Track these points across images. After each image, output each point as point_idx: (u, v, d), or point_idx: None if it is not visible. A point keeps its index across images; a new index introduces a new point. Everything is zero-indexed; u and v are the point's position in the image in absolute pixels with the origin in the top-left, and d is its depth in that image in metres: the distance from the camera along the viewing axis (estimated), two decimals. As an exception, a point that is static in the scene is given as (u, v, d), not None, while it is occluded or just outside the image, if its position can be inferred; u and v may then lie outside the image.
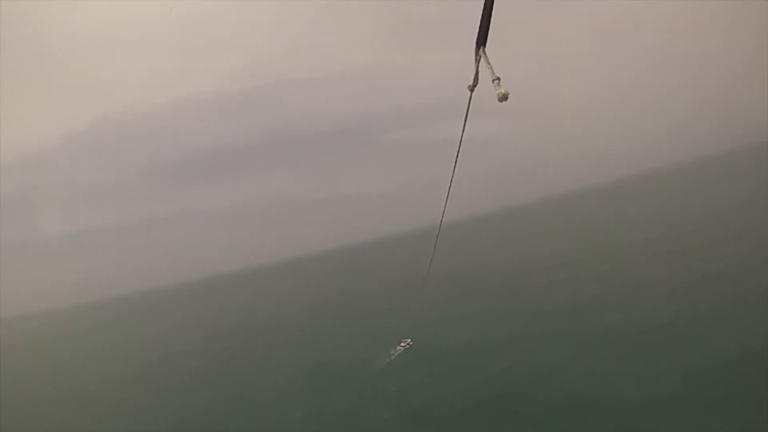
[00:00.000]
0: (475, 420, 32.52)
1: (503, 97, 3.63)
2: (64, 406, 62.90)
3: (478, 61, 4.10)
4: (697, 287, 49.65)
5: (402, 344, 52.88)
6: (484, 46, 4.01)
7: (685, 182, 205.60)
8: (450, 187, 11.50)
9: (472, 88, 4.74)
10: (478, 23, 4.08)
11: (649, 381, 31.03)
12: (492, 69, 3.78)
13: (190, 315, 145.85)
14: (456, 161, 8.79)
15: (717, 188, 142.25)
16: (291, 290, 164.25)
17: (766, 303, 39.08)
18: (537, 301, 60.41)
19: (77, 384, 74.68)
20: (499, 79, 3.66)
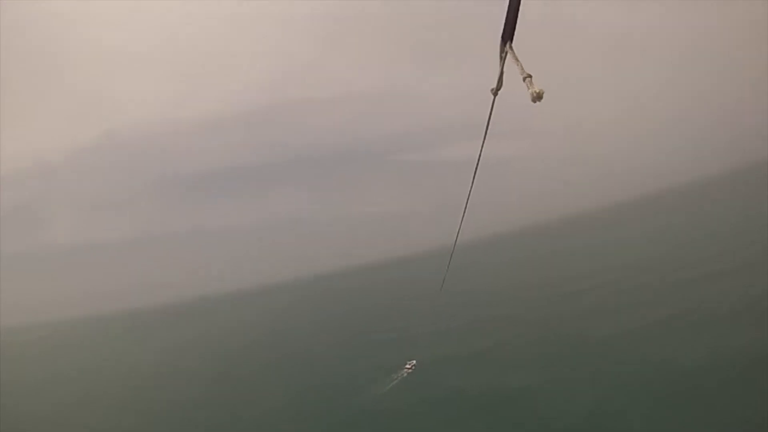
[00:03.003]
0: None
1: (538, 97, 3.11)
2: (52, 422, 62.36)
3: (503, 60, 3.62)
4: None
5: (407, 366, 53.27)
6: (511, 41, 3.53)
7: (714, 197, 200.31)
8: (466, 205, 11.15)
9: (495, 92, 4.23)
10: (504, 16, 3.66)
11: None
12: (521, 66, 3.34)
13: (193, 333, 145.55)
14: (474, 177, 8.42)
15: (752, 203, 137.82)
16: (297, 311, 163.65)
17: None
18: (561, 334, 54.56)
19: (69, 400, 74.21)
20: (530, 76, 3.16)
